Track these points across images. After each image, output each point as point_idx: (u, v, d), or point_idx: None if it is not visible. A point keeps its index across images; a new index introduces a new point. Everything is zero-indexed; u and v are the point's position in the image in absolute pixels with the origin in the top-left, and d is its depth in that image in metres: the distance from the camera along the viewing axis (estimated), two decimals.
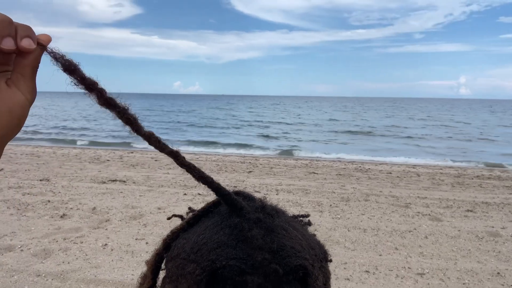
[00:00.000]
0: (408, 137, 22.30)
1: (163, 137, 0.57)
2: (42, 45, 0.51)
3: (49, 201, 6.46)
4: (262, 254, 0.52)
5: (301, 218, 0.72)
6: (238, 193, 0.64)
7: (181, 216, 0.73)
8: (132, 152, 13.87)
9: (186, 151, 15.23)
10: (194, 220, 0.62)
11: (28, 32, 0.49)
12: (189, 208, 0.74)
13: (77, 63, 0.52)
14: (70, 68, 0.51)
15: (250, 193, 0.65)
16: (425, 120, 36.90)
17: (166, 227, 5.38)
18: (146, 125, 0.55)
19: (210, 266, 0.52)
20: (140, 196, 7.07)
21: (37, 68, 0.52)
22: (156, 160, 11.68)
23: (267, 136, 22.33)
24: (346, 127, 28.53)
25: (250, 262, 0.51)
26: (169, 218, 0.78)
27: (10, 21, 0.46)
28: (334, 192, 7.84)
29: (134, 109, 0.55)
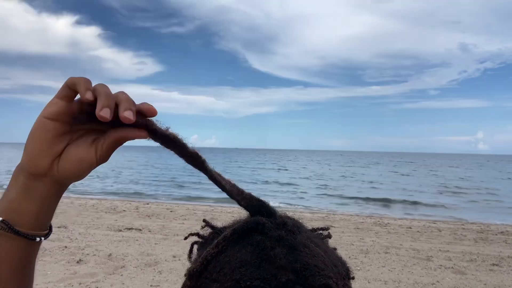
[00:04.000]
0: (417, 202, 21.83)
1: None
2: (144, 120, 0.56)
3: (66, 246, 6.47)
4: (286, 274, 0.50)
5: (321, 232, 0.71)
6: (260, 210, 0.62)
7: (197, 234, 0.71)
8: (147, 203, 13.91)
9: (202, 203, 15.22)
10: (215, 255, 0.57)
11: (130, 105, 0.54)
12: (204, 220, 0.73)
13: (180, 137, 0.58)
14: (171, 141, 0.58)
15: (271, 207, 0.63)
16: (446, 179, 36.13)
17: (181, 275, 5.27)
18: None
19: (234, 286, 0.50)
20: (155, 244, 7.02)
21: (120, 144, 0.58)
22: (171, 211, 11.67)
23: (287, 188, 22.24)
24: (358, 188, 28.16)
25: (274, 283, 0.49)
26: (186, 238, 0.75)
27: (107, 94, 0.53)
28: (352, 244, 7.66)
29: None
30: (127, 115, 0.52)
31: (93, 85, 0.54)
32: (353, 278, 0.63)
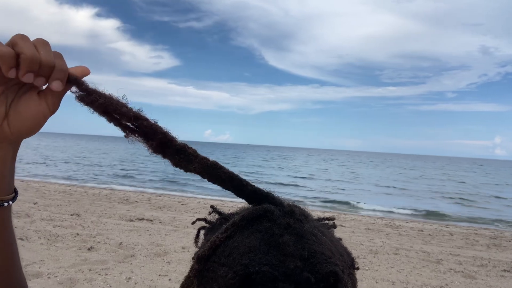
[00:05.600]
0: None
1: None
2: (73, 82, 0.58)
3: (78, 234, 6.59)
4: (294, 261, 0.51)
5: (326, 221, 0.72)
6: (266, 197, 0.63)
7: (205, 219, 0.73)
8: (160, 196, 14.06)
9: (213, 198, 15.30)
10: (224, 240, 0.59)
11: (60, 74, 0.54)
12: (212, 206, 0.74)
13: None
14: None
15: (278, 197, 0.65)
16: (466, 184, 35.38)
17: (189, 266, 5.34)
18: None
19: (243, 271, 0.51)
20: (165, 235, 7.09)
21: (66, 92, 0.59)
22: (182, 204, 11.78)
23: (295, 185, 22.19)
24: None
25: (282, 269, 0.50)
26: (193, 223, 0.77)
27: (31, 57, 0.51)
28: (362, 244, 7.62)
29: None
30: (56, 86, 0.55)
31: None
32: (357, 268, 0.64)
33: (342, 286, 0.53)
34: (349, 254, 0.64)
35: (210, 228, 0.70)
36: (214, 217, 0.71)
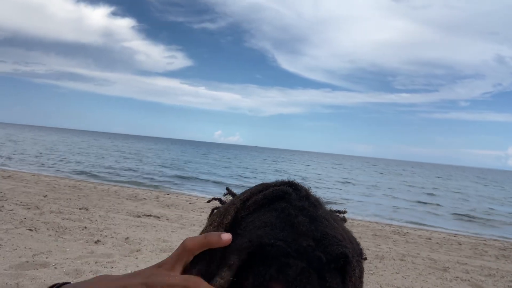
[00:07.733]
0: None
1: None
2: None
3: (85, 227, 6.66)
4: (307, 240, 0.54)
5: (338, 214, 0.73)
6: (288, 184, 0.66)
7: (219, 200, 0.74)
8: (168, 194, 14.14)
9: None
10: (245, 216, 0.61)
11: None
12: (227, 189, 0.76)
13: None
14: None
15: (298, 183, 0.68)
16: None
17: None
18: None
19: (257, 241, 0.53)
20: (172, 232, 7.13)
21: None
22: (190, 203, 11.82)
23: None
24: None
25: (295, 246, 0.53)
26: (209, 201, 0.79)
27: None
28: (368, 249, 7.57)
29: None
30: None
31: None
32: (365, 259, 0.66)
33: (351, 269, 0.55)
34: (358, 244, 0.66)
35: None
36: (229, 198, 0.73)
